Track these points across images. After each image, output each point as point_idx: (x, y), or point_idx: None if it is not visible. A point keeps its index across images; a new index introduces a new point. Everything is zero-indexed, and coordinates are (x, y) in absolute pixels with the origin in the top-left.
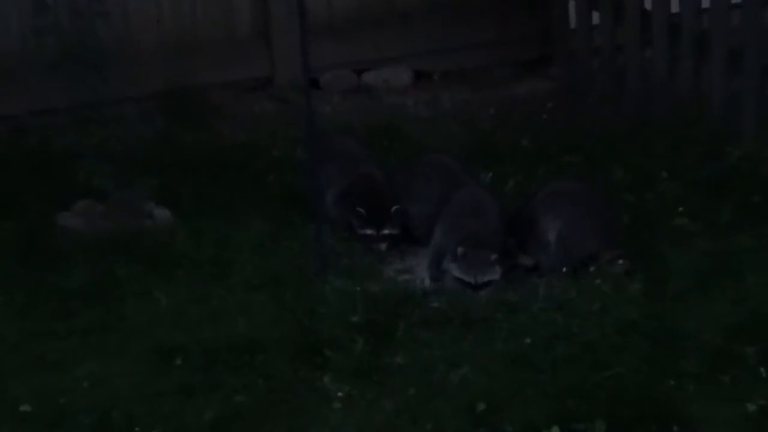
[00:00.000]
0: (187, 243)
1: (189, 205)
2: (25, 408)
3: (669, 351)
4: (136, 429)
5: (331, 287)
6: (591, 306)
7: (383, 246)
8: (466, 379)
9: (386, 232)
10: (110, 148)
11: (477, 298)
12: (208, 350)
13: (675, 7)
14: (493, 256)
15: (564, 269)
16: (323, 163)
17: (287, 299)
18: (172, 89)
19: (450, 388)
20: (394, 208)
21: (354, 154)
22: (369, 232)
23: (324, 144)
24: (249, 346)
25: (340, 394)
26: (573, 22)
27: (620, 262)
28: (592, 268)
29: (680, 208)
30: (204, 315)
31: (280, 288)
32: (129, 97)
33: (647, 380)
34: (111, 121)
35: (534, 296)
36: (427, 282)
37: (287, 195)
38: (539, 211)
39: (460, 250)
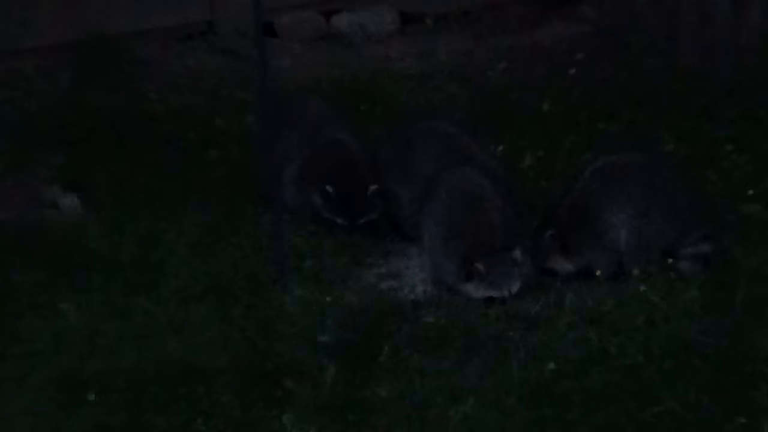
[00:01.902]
0: (102, 240)
1: (105, 191)
2: None
3: (736, 379)
4: None
5: (292, 297)
6: (634, 320)
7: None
8: (471, 416)
9: (362, 221)
10: (2, 116)
11: (486, 310)
12: (131, 381)
13: None
14: (516, 255)
15: (635, 272)
16: (281, 132)
17: (235, 313)
18: (83, 39)
19: (450, 428)
20: (372, 188)
21: (321, 120)
22: (339, 221)
23: (283, 109)
24: (185, 376)
25: None
26: None
27: (705, 246)
28: (670, 261)
29: (750, 191)
30: (125, 335)
31: (225, 299)
32: (27, 49)
33: (709, 417)
34: (3, 80)
35: (559, 307)
36: (421, 290)
37: (234, 177)
38: (594, 197)
39: (480, 268)
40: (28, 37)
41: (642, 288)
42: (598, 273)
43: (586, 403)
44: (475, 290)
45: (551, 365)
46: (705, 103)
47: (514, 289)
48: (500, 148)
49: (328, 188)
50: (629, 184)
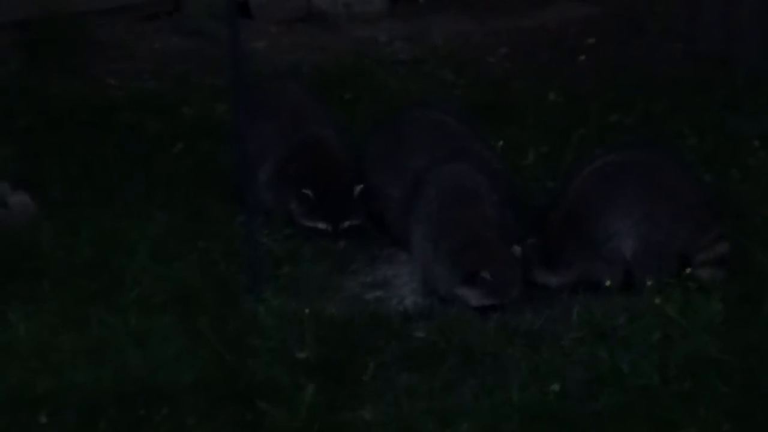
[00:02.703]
0: (56, 242)
1: (59, 187)
2: None
3: (762, 402)
4: None
5: (267, 308)
6: (649, 336)
7: (341, 243)
8: None
9: (347, 225)
10: None
11: (484, 324)
12: (87, 400)
13: None
14: (516, 254)
15: (649, 282)
16: (255, 124)
17: (203, 325)
18: (36, 18)
19: None
20: (358, 188)
21: (299, 111)
22: (321, 225)
23: (257, 97)
24: (146, 395)
25: None
26: None
27: (723, 245)
28: (688, 271)
29: None
30: (81, 348)
31: (192, 309)
32: None
33: None
34: None
35: (565, 321)
36: (411, 301)
37: (203, 172)
38: (592, 202)
39: (486, 276)
40: None
41: (657, 300)
42: (608, 283)
43: (594, 428)
44: (476, 298)
45: (556, 386)
46: (730, 94)
47: (515, 294)
48: (500, 142)
49: (307, 191)
50: (632, 186)
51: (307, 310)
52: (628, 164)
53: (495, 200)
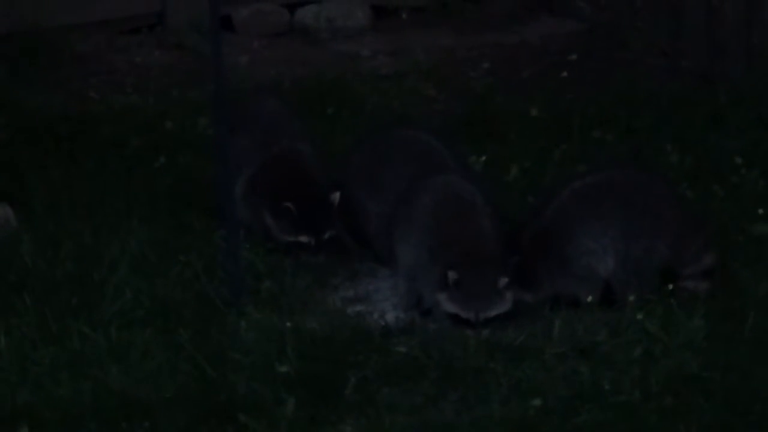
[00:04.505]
0: (37, 256)
1: (41, 201)
2: None
3: (744, 419)
4: None
5: (248, 322)
6: (630, 352)
7: (321, 256)
8: None
9: (327, 236)
10: None
11: (465, 339)
12: (67, 414)
13: None
14: (502, 280)
15: (631, 298)
16: (235, 137)
17: (183, 339)
18: (15, 31)
19: None
20: (335, 195)
21: (276, 125)
22: (303, 239)
23: (236, 111)
24: (126, 409)
25: None
26: None
27: (708, 257)
28: (670, 287)
29: (761, 210)
30: (60, 362)
31: (173, 323)
32: None
33: None
34: None
35: (547, 337)
36: (392, 316)
37: (184, 187)
38: (568, 222)
39: (451, 274)
40: None
41: (639, 316)
42: (589, 299)
43: None
44: (445, 302)
45: (537, 401)
46: (712, 110)
47: (485, 315)
48: (482, 158)
49: (288, 205)
50: (608, 204)
51: (288, 324)
52: (604, 184)
53: (489, 211)
